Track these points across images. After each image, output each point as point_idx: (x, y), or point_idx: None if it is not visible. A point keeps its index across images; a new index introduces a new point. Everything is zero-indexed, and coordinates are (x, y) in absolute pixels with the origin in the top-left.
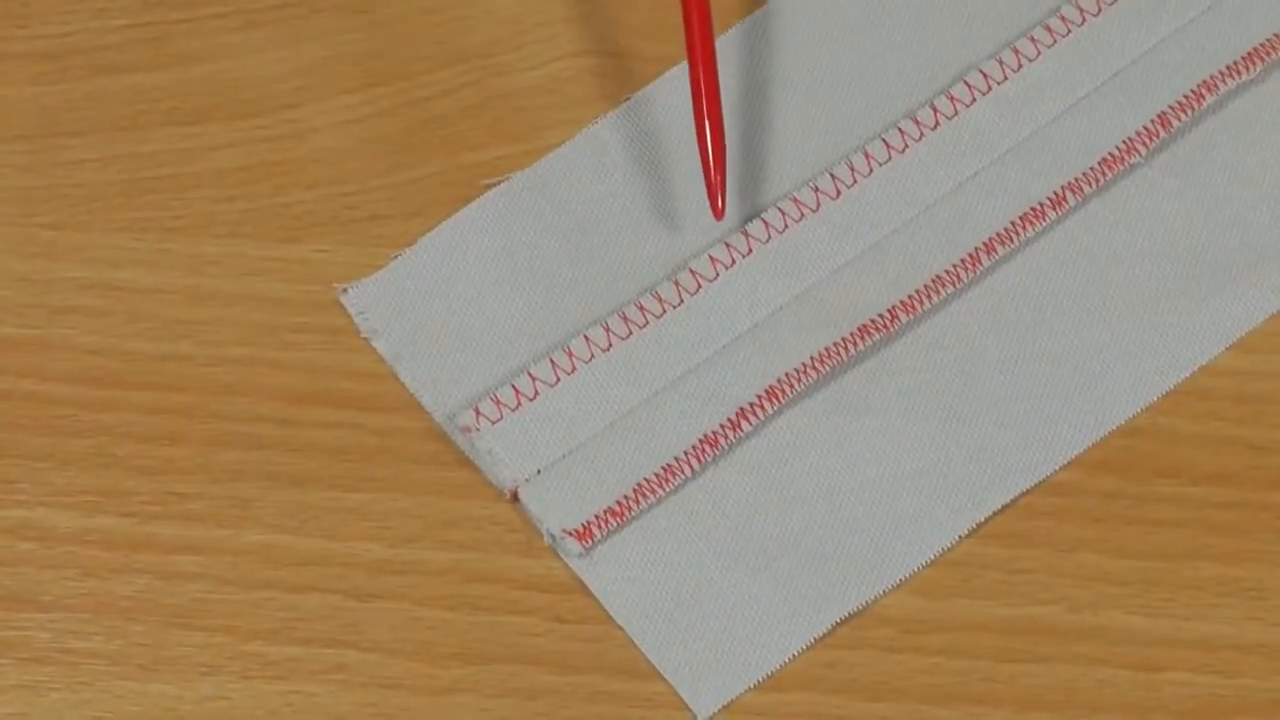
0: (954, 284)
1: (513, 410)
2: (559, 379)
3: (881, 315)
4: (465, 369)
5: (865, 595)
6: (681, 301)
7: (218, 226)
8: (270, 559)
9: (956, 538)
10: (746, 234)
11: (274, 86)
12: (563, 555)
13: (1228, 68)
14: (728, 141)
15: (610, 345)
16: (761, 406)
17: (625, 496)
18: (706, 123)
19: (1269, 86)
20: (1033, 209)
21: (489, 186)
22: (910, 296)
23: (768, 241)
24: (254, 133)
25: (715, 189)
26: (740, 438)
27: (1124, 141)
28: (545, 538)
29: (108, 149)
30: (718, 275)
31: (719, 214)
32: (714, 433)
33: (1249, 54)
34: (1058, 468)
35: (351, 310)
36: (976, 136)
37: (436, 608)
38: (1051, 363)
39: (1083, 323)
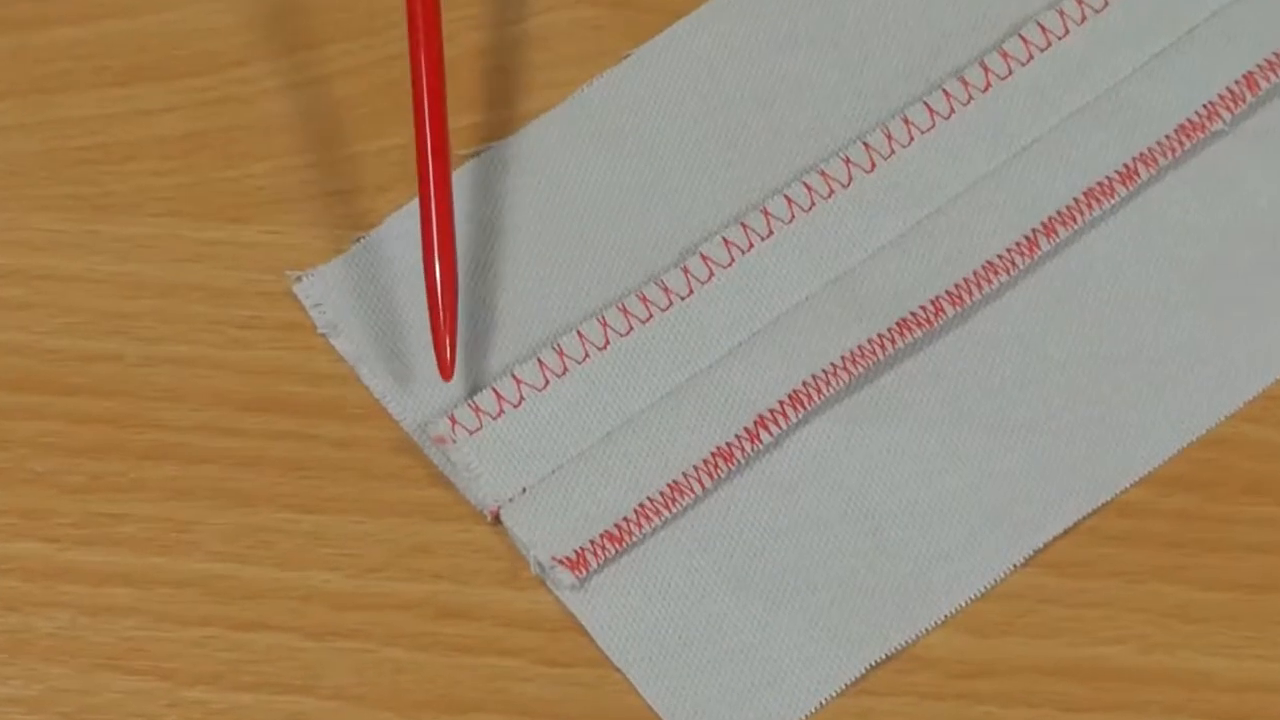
0: (1008, 271)
1: (494, 418)
2: (548, 382)
3: (923, 308)
4: (437, 370)
5: (905, 634)
6: (691, 291)
7: (154, 204)
8: (214, 591)
9: (1010, 567)
10: (766, 213)
11: (219, 41)
12: (553, 587)
13: None
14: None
15: (607, 343)
16: (784, 414)
17: (625, 519)
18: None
19: None
20: (1099, 184)
21: (466, 158)
22: (957, 286)
23: (790, 222)
24: (196, 95)
25: (441, 343)
26: (759, 450)
27: (1205, 106)
28: (532, 566)
29: (26, 114)
30: (733, 261)
31: (447, 373)
32: (729, 444)
33: None
34: (1128, 485)
35: (307, 302)
36: (1033, 100)
37: (407, 648)
38: (1121, 363)
39: (1158, 316)
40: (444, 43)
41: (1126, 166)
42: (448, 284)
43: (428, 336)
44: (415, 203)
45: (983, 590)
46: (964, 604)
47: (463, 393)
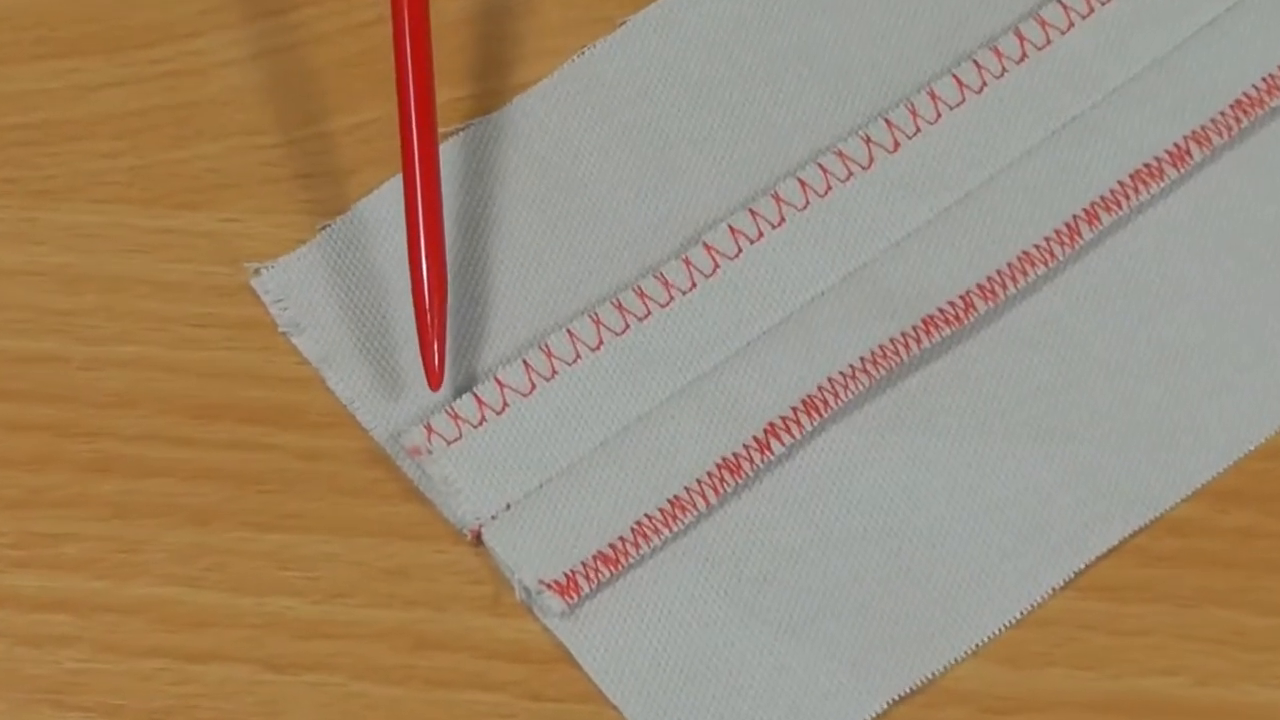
0: (1046, 262)
1: (475, 427)
2: (534, 386)
3: (953, 303)
4: (413, 373)
5: (933, 665)
6: (693, 285)
7: (99, 189)
8: (164, 618)
9: (1049, 590)
10: (777, 198)
11: (171, 10)
12: (540, 614)
13: None
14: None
15: (600, 342)
16: (797, 422)
17: (621, 538)
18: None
19: None
20: (1147, 165)
21: (446, 136)
22: (990, 279)
23: (805, 208)
24: (145, 69)
25: (430, 352)
26: (770, 462)
27: (1263, 79)
28: (518, 591)
29: None
30: (740, 251)
31: (435, 384)
32: (736, 455)
33: None
34: (1180, 500)
35: (267, 298)
36: (1074, 72)
37: (378, 681)
38: (1172, 363)
39: (1212, 312)
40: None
41: (1177, 146)
42: (436, 282)
43: (401, 335)
44: (387, 187)
45: (1018, 616)
46: (997, 631)
47: (442, 399)
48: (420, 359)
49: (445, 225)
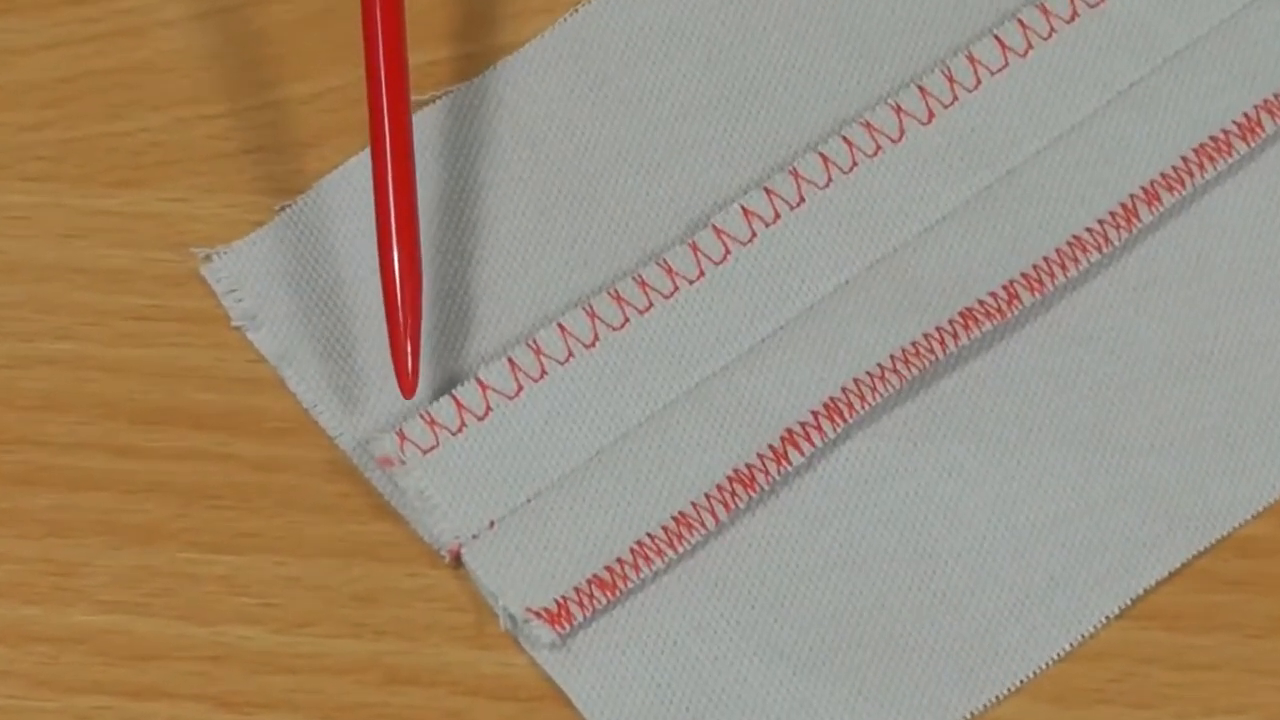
0: (1099, 249)
1: (454, 434)
2: (521, 388)
3: (994, 295)
4: (383, 373)
5: (971, 703)
6: (701, 274)
7: (26, 165)
8: (105, 650)
9: (1102, 619)
10: (796, 174)
11: None
12: (528, 646)
13: None
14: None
15: (596, 338)
16: (818, 428)
17: (619, 560)
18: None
19: None
20: (1213, 138)
21: (421, 104)
22: (1035, 267)
23: (826, 186)
24: (76, 29)
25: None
26: (787, 474)
27: None
28: (502, 620)
29: None
30: (754, 236)
31: (409, 390)
32: (749, 466)
33: None
34: (1249, 517)
35: (219, 287)
36: (1131, 33)
37: None
38: (1241, 365)
39: None
40: None
41: (1247, 117)
42: (409, 268)
43: (370, 330)
44: (353, 162)
45: (1068, 648)
46: (1045, 665)
47: (418, 403)
48: (391, 360)
49: (420, 205)
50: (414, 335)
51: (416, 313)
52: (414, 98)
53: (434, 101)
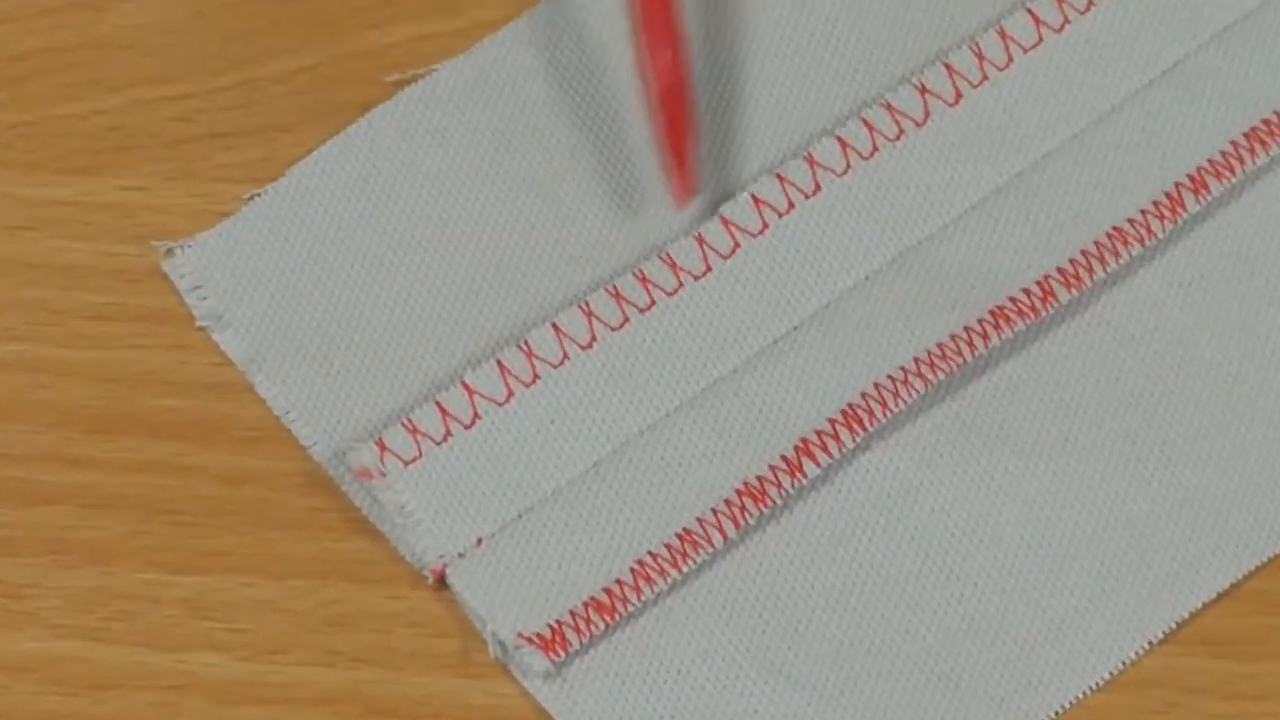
0: (1141, 241)
1: (438, 444)
2: (512, 393)
3: (1027, 292)
4: (361, 377)
5: None
6: (708, 269)
7: None
8: (59, 678)
9: (1146, 644)
10: (811, 160)
11: None
12: (519, 675)
13: None
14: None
15: (593, 339)
16: (836, 437)
17: (619, 581)
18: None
19: None
20: (1265, 122)
21: (398, 85)
22: (1073, 262)
23: (845, 173)
24: (27, 3)
25: (679, 165)
26: (802, 487)
27: None
28: (491, 647)
29: None
30: (765, 226)
31: (685, 197)
32: (760, 478)
33: None
34: None
35: (182, 284)
36: (1176, 7)
37: None
38: None
39: None
40: None
41: None
42: (678, 60)
43: (347, 330)
44: (328, 148)
45: (1108, 676)
46: (1082, 695)
47: (399, 409)
48: (663, 173)
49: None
50: (692, 130)
51: (690, 105)
52: (383, 80)
53: (405, 84)
